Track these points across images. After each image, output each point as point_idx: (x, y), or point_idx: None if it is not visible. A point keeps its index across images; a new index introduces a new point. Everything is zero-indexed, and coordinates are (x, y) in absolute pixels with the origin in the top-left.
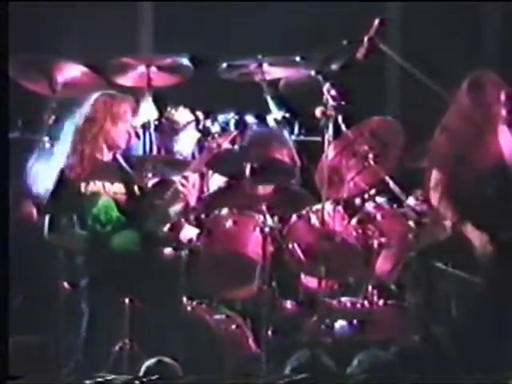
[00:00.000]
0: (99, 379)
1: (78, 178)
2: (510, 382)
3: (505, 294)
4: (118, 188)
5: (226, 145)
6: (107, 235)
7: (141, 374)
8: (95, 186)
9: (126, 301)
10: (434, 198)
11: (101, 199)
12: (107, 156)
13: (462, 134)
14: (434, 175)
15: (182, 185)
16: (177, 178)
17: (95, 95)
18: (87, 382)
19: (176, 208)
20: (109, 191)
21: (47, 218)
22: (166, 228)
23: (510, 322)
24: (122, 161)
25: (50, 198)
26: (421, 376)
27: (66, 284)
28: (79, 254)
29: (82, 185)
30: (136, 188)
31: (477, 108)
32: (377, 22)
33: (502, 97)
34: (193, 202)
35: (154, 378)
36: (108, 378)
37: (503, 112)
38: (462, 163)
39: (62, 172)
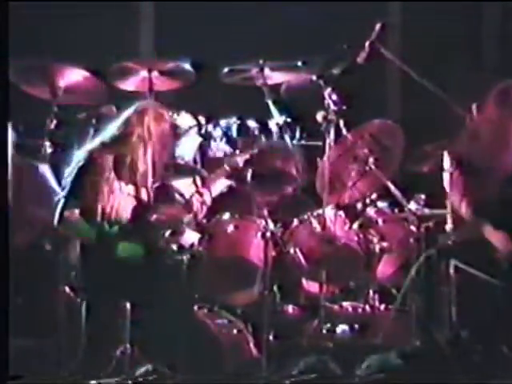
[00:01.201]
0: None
1: (98, 174)
2: None
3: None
4: (131, 189)
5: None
6: (113, 237)
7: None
8: (113, 184)
9: (128, 305)
10: (456, 200)
11: (115, 199)
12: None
13: (488, 140)
14: (457, 178)
15: (197, 200)
16: (187, 185)
17: (140, 103)
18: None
19: (186, 220)
20: (123, 191)
21: (60, 206)
22: (168, 233)
23: None
24: (140, 164)
25: (68, 188)
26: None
27: (66, 288)
28: (80, 259)
29: (101, 181)
30: (145, 191)
31: (505, 116)
32: (378, 26)
33: None
34: (201, 214)
35: (149, 379)
36: (102, 381)
37: None
38: (486, 168)
39: (84, 167)
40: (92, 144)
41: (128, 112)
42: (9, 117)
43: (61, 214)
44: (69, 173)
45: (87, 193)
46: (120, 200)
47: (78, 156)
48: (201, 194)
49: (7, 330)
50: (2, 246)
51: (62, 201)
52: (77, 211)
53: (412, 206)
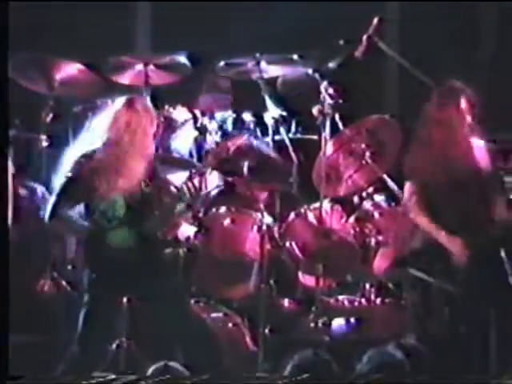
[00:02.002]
0: (102, 379)
1: (94, 169)
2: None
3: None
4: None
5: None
6: (110, 230)
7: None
8: (109, 180)
9: (124, 299)
10: (410, 208)
11: (112, 194)
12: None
13: (434, 144)
14: (409, 186)
15: (187, 186)
16: (182, 179)
17: (123, 99)
18: (91, 381)
19: (180, 208)
20: (119, 187)
21: (51, 202)
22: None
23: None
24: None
25: (64, 184)
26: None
27: (64, 282)
28: (78, 250)
29: (97, 177)
30: (143, 184)
31: (447, 117)
32: (375, 20)
33: (465, 104)
34: (196, 202)
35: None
36: (112, 377)
37: (469, 119)
38: (437, 172)
39: (81, 162)
40: (85, 146)
41: (115, 109)
42: (8, 111)
43: (53, 210)
44: (63, 170)
45: (81, 190)
46: (116, 195)
47: (72, 155)
48: (192, 182)
49: (7, 330)
50: (2, 246)
51: (55, 197)
52: (71, 208)
53: None
